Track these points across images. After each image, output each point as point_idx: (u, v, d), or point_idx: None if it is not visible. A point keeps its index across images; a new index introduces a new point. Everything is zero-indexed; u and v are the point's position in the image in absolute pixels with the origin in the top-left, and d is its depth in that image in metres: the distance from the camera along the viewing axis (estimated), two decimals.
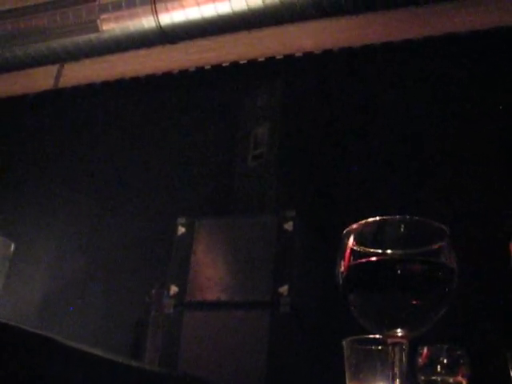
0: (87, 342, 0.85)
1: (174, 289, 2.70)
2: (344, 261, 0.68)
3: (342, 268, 0.68)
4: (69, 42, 4.04)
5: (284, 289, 2.54)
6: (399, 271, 0.65)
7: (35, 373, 0.69)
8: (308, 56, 3.68)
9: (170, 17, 3.76)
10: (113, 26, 3.88)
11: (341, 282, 0.69)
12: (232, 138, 3.35)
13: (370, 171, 3.21)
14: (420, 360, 1.31)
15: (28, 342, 0.70)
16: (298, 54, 3.72)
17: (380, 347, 0.89)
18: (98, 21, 3.86)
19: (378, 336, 0.85)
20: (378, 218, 0.68)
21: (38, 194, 3.97)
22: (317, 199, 3.17)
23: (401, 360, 0.68)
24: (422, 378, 1.29)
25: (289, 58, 3.74)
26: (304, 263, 2.78)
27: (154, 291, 2.88)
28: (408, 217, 0.68)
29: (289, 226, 2.67)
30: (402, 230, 0.67)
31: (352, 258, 0.67)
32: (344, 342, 0.95)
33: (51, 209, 3.89)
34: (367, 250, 0.66)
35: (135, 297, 3.24)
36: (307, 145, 3.30)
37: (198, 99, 3.87)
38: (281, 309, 2.51)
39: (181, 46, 4.01)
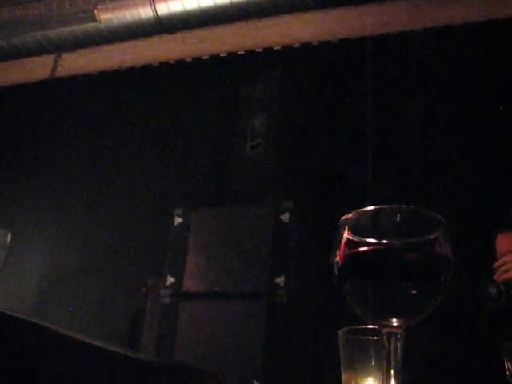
0: (83, 332, 0.85)
1: (170, 279, 2.70)
2: (339, 250, 0.67)
3: (338, 257, 0.68)
4: (66, 31, 4.02)
5: (280, 279, 2.54)
6: (395, 261, 0.65)
7: (30, 362, 0.69)
8: (306, 47, 3.67)
9: (168, 6, 3.74)
10: (110, 16, 3.86)
11: (336, 271, 0.68)
12: (229, 128, 3.35)
13: (368, 162, 3.20)
14: None
15: (23, 330, 0.70)
16: (296, 45, 3.71)
17: (375, 337, 0.89)
18: (95, 10, 3.84)
19: (373, 326, 0.85)
20: (373, 207, 0.68)
21: (35, 185, 3.96)
22: (314, 190, 3.17)
23: (395, 350, 0.67)
24: None
25: (287, 49, 3.73)
26: (300, 254, 2.78)
27: (150, 281, 2.88)
28: (404, 206, 0.67)
29: (285, 217, 2.67)
30: (398, 219, 0.67)
31: (347, 247, 0.67)
32: (339, 333, 0.95)
33: (48, 199, 3.89)
34: (363, 239, 0.66)
35: (132, 287, 3.25)
36: (304, 136, 3.30)
37: (195, 89, 3.85)
38: (277, 299, 2.52)
39: (178, 36, 3.99)
